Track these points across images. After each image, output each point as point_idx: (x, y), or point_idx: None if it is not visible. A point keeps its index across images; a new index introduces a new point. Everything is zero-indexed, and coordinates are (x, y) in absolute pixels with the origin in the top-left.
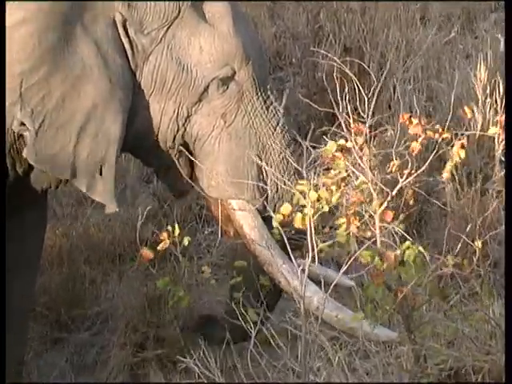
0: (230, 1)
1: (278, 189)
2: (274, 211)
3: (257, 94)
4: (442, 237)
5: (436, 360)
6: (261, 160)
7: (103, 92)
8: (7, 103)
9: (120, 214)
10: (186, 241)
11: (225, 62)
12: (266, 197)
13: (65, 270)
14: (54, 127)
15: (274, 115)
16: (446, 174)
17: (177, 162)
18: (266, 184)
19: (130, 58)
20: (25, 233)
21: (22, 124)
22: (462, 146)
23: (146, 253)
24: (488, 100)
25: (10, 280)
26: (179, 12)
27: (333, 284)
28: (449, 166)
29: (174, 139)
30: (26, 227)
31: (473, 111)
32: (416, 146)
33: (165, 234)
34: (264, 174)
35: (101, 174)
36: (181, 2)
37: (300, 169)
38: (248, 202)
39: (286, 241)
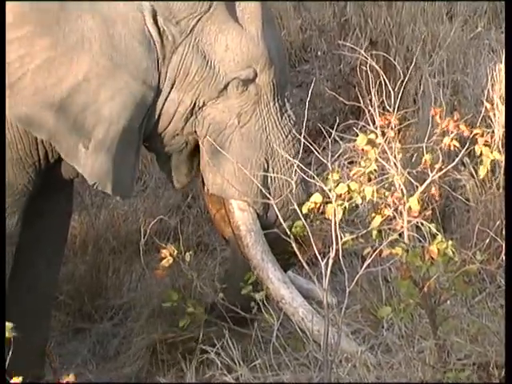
0: (261, 0)
1: (282, 195)
2: (275, 218)
3: (274, 99)
4: (465, 232)
5: (459, 355)
6: (268, 165)
7: (100, 68)
8: None
9: (145, 204)
10: (187, 256)
11: (248, 64)
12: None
13: (89, 259)
14: (33, 87)
15: (288, 123)
16: (482, 172)
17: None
18: (270, 190)
19: (158, 48)
20: (51, 219)
21: None
22: (486, 144)
23: (160, 272)
24: None
25: (36, 264)
26: (210, 7)
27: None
28: (485, 164)
29: (185, 125)
30: (53, 213)
31: (492, 105)
32: (447, 142)
33: (166, 252)
34: (270, 179)
35: (86, 147)
36: None
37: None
38: (250, 204)
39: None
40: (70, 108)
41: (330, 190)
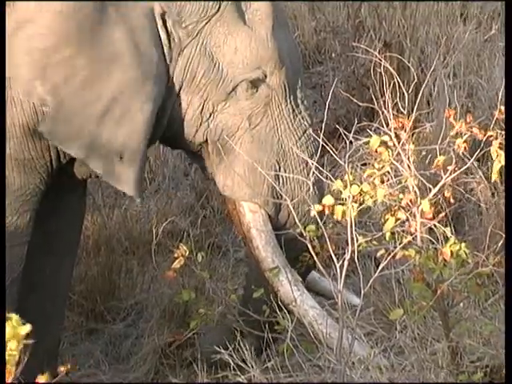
0: (272, 0)
1: (293, 198)
2: (286, 220)
3: (286, 101)
4: (478, 235)
5: (472, 357)
6: (280, 167)
7: (131, 79)
8: (27, 78)
9: (158, 205)
10: (199, 257)
11: (257, 65)
12: (280, 204)
13: (101, 260)
14: (76, 107)
15: (301, 125)
16: (494, 177)
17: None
18: (281, 191)
19: (165, 51)
20: (64, 219)
21: (42, 99)
22: (500, 147)
23: (170, 274)
24: None
25: (49, 264)
26: (219, 9)
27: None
28: (496, 169)
29: (196, 133)
30: (65, 214)
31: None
32: (461, 144)
33: (179, 252)
34: (281, 181)
35: (121, 159)
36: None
37: (323, 178)
38: (260, 206)
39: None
40: (108, 123)
41: (341, 192)
